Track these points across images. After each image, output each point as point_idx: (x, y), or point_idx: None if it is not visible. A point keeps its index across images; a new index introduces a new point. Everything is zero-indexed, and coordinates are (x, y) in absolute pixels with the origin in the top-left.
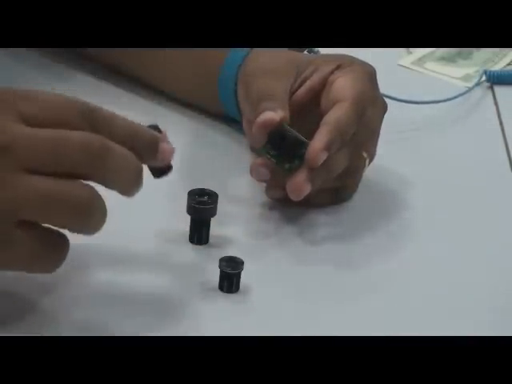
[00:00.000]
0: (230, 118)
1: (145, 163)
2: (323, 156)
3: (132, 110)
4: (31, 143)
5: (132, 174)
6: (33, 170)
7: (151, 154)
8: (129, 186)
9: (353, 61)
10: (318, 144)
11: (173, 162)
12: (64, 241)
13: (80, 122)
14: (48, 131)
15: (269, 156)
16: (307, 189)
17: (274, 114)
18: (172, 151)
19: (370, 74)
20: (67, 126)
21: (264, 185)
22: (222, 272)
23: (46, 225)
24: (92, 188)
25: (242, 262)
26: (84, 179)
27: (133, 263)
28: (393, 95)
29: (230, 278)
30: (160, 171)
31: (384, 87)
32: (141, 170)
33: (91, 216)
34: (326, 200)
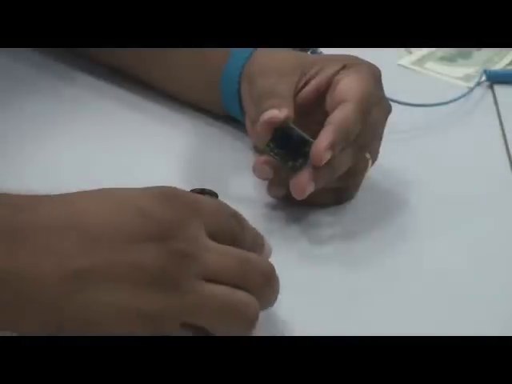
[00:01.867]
0: (231, 117)
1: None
2: (327, 155)
3: (132, 110)
4: (220, 258)
5: (276, 297)
6: (211, 280)
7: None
8: (271, 306)
9: (358, 61)
10: (322, 143)
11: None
12: None
13: (242, 237)
14: (234, 250)
15: (272, 154)
16: (310, 188)
17: (278, 112)
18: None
19: (375, 75)
20: (235, 239)
21: (266, 184)
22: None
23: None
24: (257, 302)
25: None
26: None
27: None
28: (393, 95)
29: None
30: None
31: (384, 87)
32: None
33: (252, 328)
34: (328, 200)
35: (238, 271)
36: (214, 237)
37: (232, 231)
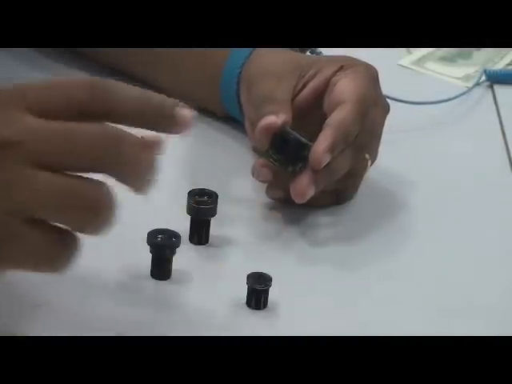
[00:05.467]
0: (231, 118)
1: (161, 131)
2: (327, 158)
3: None
4: (39, 137)
5: (145, 169)
6: (42, 165)
7: (167, 119)
8: (141, 181)
9: (356, 62)
10: (321, 146)
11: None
12: (73, 239)
13: (89, 98)
14: (58, 123)
15: (272, 160)
16: (311, 192)
17: (275, 118)
18: (191, 116)
19: (372, 76)
20: (78, 106)
21: (265, 185)
22: (249, 288)
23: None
24: (105, 184)
25: (270, 279)
26: (96, 172)
27: (134, 263)
28: (393, 95)
29: (258, 294)
30: None
31: (384, 87)
32: (153, 165)
33: (104, 216)
34: (327, 201)
35: (63, 148)
36: (45, 116)
37: (76, 101)
